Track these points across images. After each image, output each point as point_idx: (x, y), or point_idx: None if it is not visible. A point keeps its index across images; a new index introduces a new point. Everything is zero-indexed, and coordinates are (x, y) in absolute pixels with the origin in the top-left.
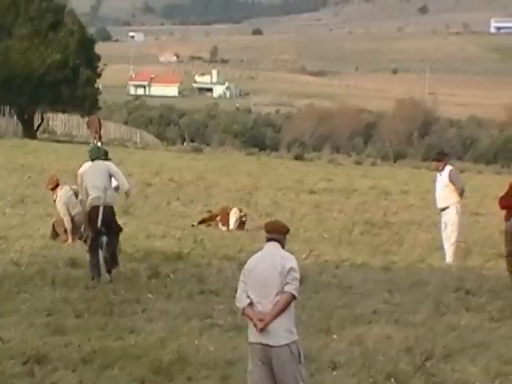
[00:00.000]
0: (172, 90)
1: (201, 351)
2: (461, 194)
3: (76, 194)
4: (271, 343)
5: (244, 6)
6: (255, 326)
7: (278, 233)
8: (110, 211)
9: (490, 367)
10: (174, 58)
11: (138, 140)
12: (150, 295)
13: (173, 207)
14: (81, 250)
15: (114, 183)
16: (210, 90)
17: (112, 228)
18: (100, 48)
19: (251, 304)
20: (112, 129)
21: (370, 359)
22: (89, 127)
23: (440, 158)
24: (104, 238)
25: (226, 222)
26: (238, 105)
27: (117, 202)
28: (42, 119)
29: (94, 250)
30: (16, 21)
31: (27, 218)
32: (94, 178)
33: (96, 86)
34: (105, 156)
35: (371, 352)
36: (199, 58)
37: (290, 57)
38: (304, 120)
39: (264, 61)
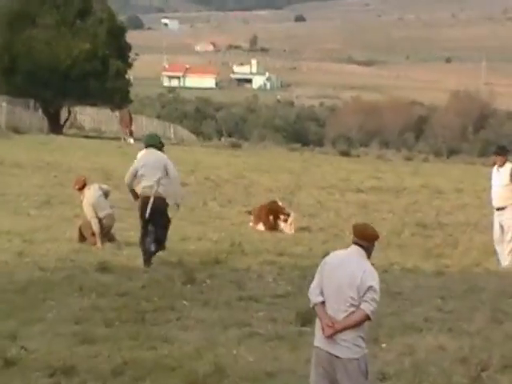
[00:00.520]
0: (208, 82)
1: (239, 362)
2: None
3: (106, 194)
4: (339, 354)
5: None
6: (323, 329)
7: (366, 240)
8: (160, 202)
9: None
10: (211, 47)
11: (172, 135)
12: (184, 302)
13: (209, 208)
14: (111, 253)
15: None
16: (250, 81)
17: (160, 221)
18: (131, 37)
19: (323, 303)
20: (144, 123)
21: (421, 370)
22: (120, 122)
23: (501, 153)
24: (152, 229)
25: (266, 220)
26: (279, 97)
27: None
28: (69, 113)
29: (143, 239)
30: (41, 8)
31: (53, 220)
32: (149, 167)
33: (127, 77)
34: (160, 145)
35: (422, 363)
36: (237, 48)
37: (336, 45)
38: (350, 113)
39: (307, 50)
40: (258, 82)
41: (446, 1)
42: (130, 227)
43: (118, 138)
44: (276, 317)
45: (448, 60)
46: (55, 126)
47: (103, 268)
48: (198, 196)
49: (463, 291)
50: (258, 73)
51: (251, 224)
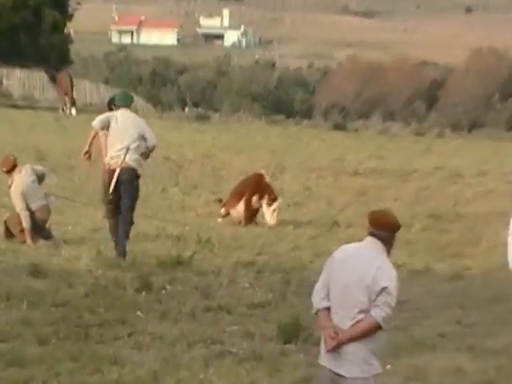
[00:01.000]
0: (169, 38)
1: None
2: None
3: (40, 178)
4: (344, 373)
5: None
6: (325, 342)
7: (385, 230)
8: (129, 173)
9: None
10: None
11: None
12: (138, 313)
13: (169, 196)
14: (45, 254)
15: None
16: (220, 37)
17: (128, 194)
18: None
19: (328, 309)
20: (88, 90)
21: None
22: (57, 88)
23: None
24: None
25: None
26: (257, 57)
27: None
28: None
29: (115, 227)
30: None
31: None
32: (120, 131)
33: (66, 32)
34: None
35: None
36: None
37: None
38: (346, 77)
39: None
40: (230, 38)
41: None
42: (69, 220)
43: (55, 109)
44: (253, 332)
45: (468, 9)
46: None
47: (36, 272)
48: (155, 181)
49: (486, 300)
50: (231, 26)
51: (222, 212)
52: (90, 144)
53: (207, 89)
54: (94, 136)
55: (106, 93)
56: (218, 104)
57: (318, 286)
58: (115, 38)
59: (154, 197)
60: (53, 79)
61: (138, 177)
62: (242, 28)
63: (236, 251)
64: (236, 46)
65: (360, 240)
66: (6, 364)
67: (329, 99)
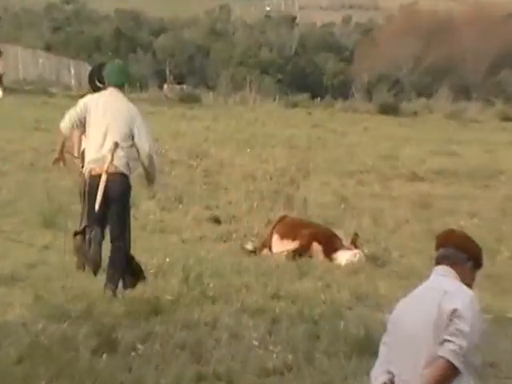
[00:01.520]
0: None
1: None
2: None
3: None
4: None
5: None
6: None
7: (455, 246)
8: (119, 181)
9: None
10: None
11: (74, 82)
12: None
13: (142, 213)
14: None
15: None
16: None
17: (117, 214)
18: None
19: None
20: (21, 60)
21: None
22: None
23: None
24: (98, 231)
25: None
26: (268, 8)
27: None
28: None
29: (81, 241)
30: None
31: None
32: (102, 125)
33: None
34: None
35: None
36: None
37: None
38: (399, 37)
39: None
40: None
41: None
42: None
43: None
44: None
45: None
46: None
47: None
48: None
49: None
50: None
51: (251, 247)
52: (61, 150)
53: (196, 56)
54: (64, 142)
55: (47, 63)
56: (211, 79)
57: (377, 363)
58: None
59: None
60: None
61: (129, 187)
62: None
63: (240, 293)
64: None
65: (423, 277)
66: None
67: (373, 70)
